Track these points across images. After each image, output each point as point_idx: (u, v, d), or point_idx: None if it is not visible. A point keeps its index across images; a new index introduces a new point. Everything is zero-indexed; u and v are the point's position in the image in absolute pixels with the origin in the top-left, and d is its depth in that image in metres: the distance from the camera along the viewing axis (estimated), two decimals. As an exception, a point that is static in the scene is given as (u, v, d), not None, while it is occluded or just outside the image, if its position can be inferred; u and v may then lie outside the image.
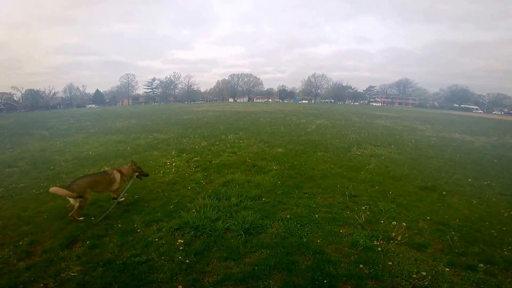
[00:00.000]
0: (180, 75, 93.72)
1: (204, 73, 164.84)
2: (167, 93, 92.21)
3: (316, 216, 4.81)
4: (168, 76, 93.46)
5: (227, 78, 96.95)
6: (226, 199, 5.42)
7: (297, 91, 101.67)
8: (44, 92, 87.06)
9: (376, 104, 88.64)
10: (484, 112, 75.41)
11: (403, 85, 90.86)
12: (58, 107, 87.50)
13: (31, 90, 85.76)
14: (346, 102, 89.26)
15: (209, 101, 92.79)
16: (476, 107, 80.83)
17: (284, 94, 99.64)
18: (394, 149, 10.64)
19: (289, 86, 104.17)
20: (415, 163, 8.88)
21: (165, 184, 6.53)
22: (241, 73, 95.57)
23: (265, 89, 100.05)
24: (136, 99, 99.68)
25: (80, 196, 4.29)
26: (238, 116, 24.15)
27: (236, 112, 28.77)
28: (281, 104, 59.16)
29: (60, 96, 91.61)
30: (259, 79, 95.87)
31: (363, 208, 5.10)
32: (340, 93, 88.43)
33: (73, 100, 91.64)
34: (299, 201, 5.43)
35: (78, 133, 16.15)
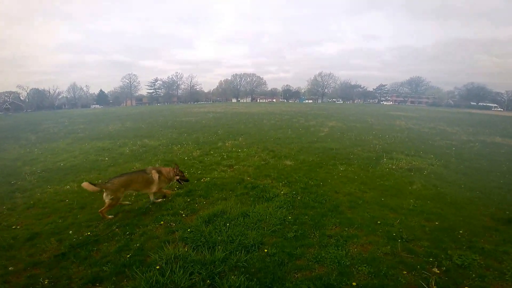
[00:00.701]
0: (183, 75, 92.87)
1: (207, 73, 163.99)
2: (170, 93, 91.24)
3: (354, 284, 2.89)
4: (171, 76, 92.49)
5: (229, 79, 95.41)
6: (209, 249, 3.57)
7: (302, 90, 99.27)
8: (49, 91, 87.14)
9: (387, 103, 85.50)
10: (504, 110, 71.57)
11: (415, 84, 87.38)
12: (64, 107, 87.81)
13: (36, 89, 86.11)
14: (354, 102, 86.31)
15: (212, 101, 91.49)
16: (496, 105, 76.88)
17: (289, 94, 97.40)
18: (434, 160, 8.50)
19: (294, 86, 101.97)
20: (471, 180, 6.76)
21: (133, 214, 4.69)
22: (244, 73, 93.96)
23: (269, 89, 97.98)
24: (139, 99, 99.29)
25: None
26: (240, 118, 22.24)
27: (238, 114, 26.89)
28: (286, 105, 56.94)
29: (65, 96, 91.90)
30: (262, 78, 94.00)
31: (429, 262, 3.13)
32: (349, 92, 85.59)
33: (78, 100, 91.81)
34: (322, 253, 3.52)
35: (64, 138, 14.68)
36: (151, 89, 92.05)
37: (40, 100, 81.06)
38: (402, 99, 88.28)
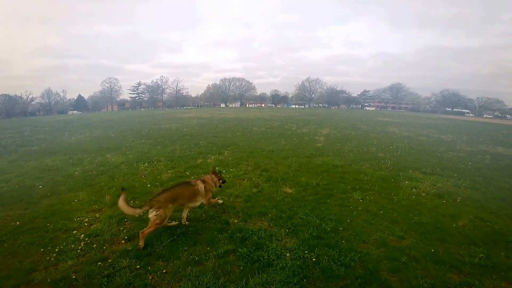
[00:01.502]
0: (168, 79, 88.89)
1: (195, 77, 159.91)
2: (155, 98, 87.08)
3: None
4: (155, 80, 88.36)
5: (218, 83, 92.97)
6: None
7: (290, 95, 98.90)
8: (21, 97, 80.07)
9: (370, 109, 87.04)
10: (475, 116, 75.24)
11: (396, 90, 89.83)
12: (38, 113, 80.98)
13: (6, 95, 78.82)
14: (340, 107, 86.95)
15: (200, 106, 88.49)
16: (468, 111, 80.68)
17: (277, 99, 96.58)
18: (458, 180, 6.95)
19: (282, 90, 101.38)
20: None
21: None
22: (233, 78, 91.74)
23: (258, 93, 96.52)
24: (122, 104, 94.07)
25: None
26: (227, 125, 20.12)
27: (225, 120, 24.74)
28: (275, 110, 55.52)
29: (39, 101, 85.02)
30: (251, 83, 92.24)
31: None
32: (334, 97, 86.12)
33: (54, 106, 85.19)
34: None
35: (11, 153, 11.78)
36: (134, 93, 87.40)
37: (11, 107, 74.20)
38: (384, 104, 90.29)
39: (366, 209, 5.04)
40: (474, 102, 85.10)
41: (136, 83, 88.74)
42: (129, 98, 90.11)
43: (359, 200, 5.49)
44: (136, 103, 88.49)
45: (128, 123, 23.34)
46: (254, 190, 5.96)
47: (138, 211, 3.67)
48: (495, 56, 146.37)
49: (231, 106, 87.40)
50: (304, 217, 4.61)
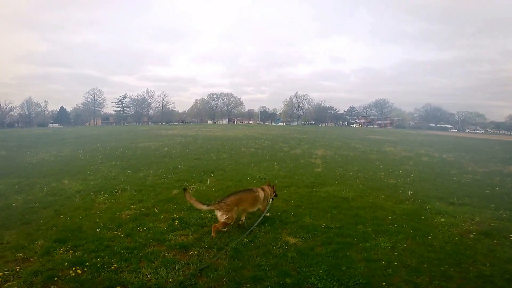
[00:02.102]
0: (154, 93, 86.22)
1: (182, 92, 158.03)
2: (140, 112, 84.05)
3: None
4: (141, 94, 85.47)
5: (205, 98, 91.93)
6: None
7: (278, 112, 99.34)
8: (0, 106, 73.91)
9: (357, 126, 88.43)
10: (458, 131, 77.15)
11: (380, 105, 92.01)
12: (16, 125, 75.15)
13: (-19, 103, 72.95)
14: (327, 124, 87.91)
15: (187, 122, 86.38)
16: (451, 126, 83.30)
17: (265, 115, 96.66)
18: (495, 211, 5.66)
19: (270, 107, 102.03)
20: None
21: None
22: (221, 93, 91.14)
23: (246, 110, 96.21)
24: (106, 118, 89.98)
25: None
26: (213, 144, 18.38)
27: (212, 138, 23.02)
28: (263, 127, 54.41)
29: (18, 112, 79.25)
30: (239, 99, 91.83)
31: None
32: (322, 114, 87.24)
33: (34, 118, 79.54)
34: None
35: None
36: (119, 107, 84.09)
37: (-13, 116, 68.65)
38: (370, 121, 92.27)
39: (403, 263, 3.56)
40: (456, 117, 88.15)
41: (121, 95, 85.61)
42: (113, 112, 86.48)
43: (389, 249, 3.97)
44: (120, 118, 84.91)
45: (104, 141, 21.02)
46: (244, 238, 4.27)
47: (204, 208, 4.34)
48: (467, 68, 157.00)
49: (218, 122, 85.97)
50: (318, 283, 2.95)
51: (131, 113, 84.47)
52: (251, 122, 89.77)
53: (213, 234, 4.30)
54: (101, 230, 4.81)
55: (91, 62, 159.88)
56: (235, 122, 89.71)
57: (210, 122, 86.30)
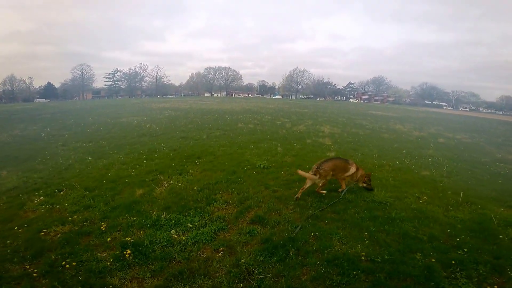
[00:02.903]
0: (148, 67, 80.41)
1: (178, 66, 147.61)
2: (133, 86, 78.72)
3: None
4: (133, 68, 79.49)
5: (202, 72, 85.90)
6: None
7: (277, 86, 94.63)
8: (-20, 83, 68.48)
9: (354, 101, 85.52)
10: (452, 109, 76.34)
11: (377, 82, 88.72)
12: (0, 101, 70.48)
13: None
14: (325, 99, 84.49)
15: (183, 95, 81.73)
16: (445, 104, 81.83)
17: (264, 89, 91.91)
18: None
19: (269, 81, 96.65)
20: None
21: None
22: (218, 67, 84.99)
23: (245, 84, 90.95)
24: (97, 92, 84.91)
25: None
26: (206, 119, 15.84)
27: (206, 112, 20.30)
28: (262, 100, 50.71)
29: (1, 89, 73.93)
30: (238, 73, 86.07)
31: None
32: (320, 89, 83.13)
33: (19, 94, 74.41)
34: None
35: None
36: (109, 81, 78.36)
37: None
38: (367, 97, 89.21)
39: None
40: (450, 96, 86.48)
41: (112, 70, 79.50)
42: (104, 86, 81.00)
43: None
44: (111, 92, 79.67)
45: (81, 116, 18.22)
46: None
47: (312, 176, 4.34)
48: (465, 51, 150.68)
49: (216, 95, 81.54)
50: None
51: (123, 87, 79.22)
52: (250, 95, 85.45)
53: (298, 195, 4.30)
54: (2, 264, 2.75)
55: (81, 40, 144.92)
56: (233, 95, 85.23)
57: (207, 95, 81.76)
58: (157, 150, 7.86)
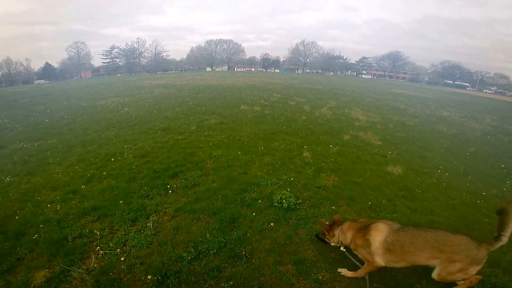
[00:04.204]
0: (146, 42, 75.25)
1: (179, 40, 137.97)
2: (132, 63, 74.03)
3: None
4: (130, 44, 74.02)
5: (203, 45, 79.39)
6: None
7: (282, 60, 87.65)
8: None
9: (366, 77, 79.05)
10: (476, 90, 69.66)
11: (393, 58, 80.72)
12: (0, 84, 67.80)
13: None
14: (335, 73, 78.04)
15: (183, 70, 76.78)
16: (467, 84, 74.83)
17: (268, 63, 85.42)
18: None
19: (272, 54, 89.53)
20: None
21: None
22: (220, 39, 78.14)
23: (247, 57, 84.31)
24: (97, 70, 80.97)
25: None
26: (201, 99, 12.52)
27: (202, 89, 16.84)
28: (267, 75, 44.92)
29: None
30: (240, 46, 79.33)
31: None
32: (330, 63, 76.36)
33: (17, 76, 71.22)
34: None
35: None
36: (107, 58, 73.69)
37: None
38: (382, 72, 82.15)
39: None
40: (474, 76, 78.67)
41: (109, 47, 74.31)
42: (99, 64, 76.64)
43: None
44: (110, 69, 75.25)
45: (59, 100, 15.14)
46: None
47: None
48: (495, 29, 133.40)
49: (217, 70, 76.12)
50: None
51: (121, 63, 74.70)
52: (253, 69, 79.65)
53: None
54: None
55: (78, 17, 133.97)
56: (235, 69, 79.60)
57: (208, 69, 76.50)
58: (118, 156, 4.95)
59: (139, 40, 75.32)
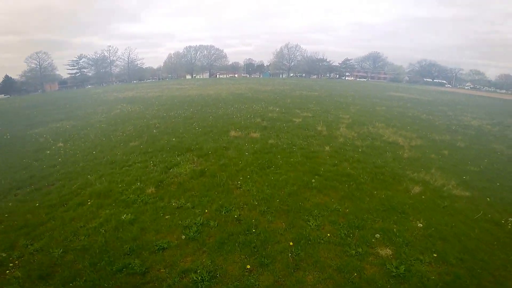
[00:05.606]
0: (118, 50, 69.91)
1: (157, 47, 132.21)
2: (102, 72, 68.36)
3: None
4: (101, 52, 68.48)
5: (181, 52, 75.69)
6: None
7: (266, 64, 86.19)
8: None
9: (349, 79, 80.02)
10: (452, 87, 72.90)
11: (373, 59, 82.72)
12: None
13: None
14: (319, 77, 77.95)
15: (160, 79, 72.40)
16: (445, 81, 78.13)
17: (252, 68, 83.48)
18: None
19: (256, 59, 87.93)
20: None
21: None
22: (200, 45, 74.88)
23: (230, 63, 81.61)
24: (64, 82, 73.93)
25: None
26: (172, 119, 9.46)
27: (179, 103, 13.73)
28: (252, 81, 41.58)
29: None
30: (222, 51, 76.56)
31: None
32: (314, 66, 76.09)
33: None
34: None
35: None
36: (74, 69, 67.38)
37: None
38: (364, 74, 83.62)
39: None
40: (449, 73, 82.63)
41: (76, 56, 68.08)
42: (68, 75, 69.98)
43: None
44: (78, 80, 68.84)
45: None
46: None
47: None
48: (463, 27, 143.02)
49: (198, 77, 72.55)
50: None
51: (90, 74, 68.66)
52: (236, 76, 77.07)
53: None
54: None
55: (46, 26, 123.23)
56: (218, 76, 76.50)
57: (188, 77, 72.66)
58: None
59: (110, 48, 69.91)
